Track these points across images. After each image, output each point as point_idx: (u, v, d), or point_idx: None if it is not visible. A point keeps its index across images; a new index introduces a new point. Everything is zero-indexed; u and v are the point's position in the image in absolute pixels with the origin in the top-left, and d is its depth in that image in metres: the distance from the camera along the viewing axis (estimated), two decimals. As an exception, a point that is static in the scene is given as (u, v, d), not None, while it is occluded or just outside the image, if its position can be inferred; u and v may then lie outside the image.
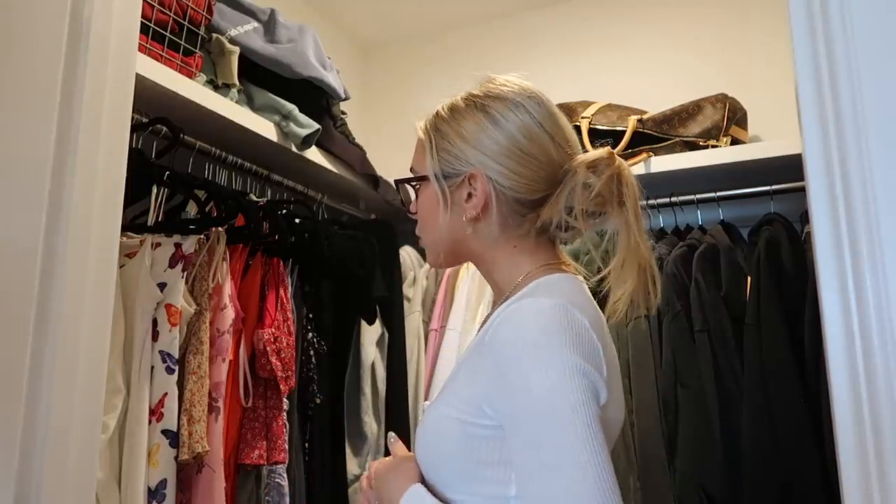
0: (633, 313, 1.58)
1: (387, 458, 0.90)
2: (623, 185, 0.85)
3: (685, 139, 1.77)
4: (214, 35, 1.45)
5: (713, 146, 1.75)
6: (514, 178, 0.85)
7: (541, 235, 0.89)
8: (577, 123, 1.81)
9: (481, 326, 0.94)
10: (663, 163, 1.74)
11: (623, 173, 0.86)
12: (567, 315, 0.75)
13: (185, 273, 1.18)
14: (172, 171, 1.28)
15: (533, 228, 0.88)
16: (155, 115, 1.25)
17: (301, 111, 1.57)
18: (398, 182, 0.98)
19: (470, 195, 0.87)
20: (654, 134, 1.78)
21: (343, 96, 1.73)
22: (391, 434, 0.94)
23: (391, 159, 2.04)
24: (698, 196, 1.74)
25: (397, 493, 0.81)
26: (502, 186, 0.86)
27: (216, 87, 1.43)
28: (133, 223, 1.27)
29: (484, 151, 0.86)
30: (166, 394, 1.11)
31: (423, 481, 0.82)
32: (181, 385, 1.15)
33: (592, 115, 1.85)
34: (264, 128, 1.50)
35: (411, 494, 0.80)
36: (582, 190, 0.84)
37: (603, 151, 0.87)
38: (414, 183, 0.95)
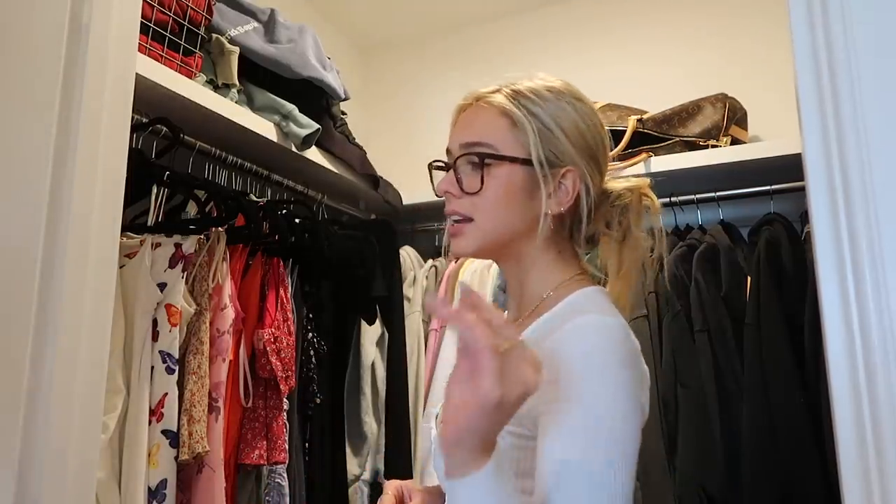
0: (633, 313, 1.58)
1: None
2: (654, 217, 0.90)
3: (685, 139, 1.77)
4: (214, 35, 1.45)
5: (713, 146, 1.75)
6: (591, 184, 0.86)
7: (574, 245, 0.90)
8: (577, 123, 1.81)
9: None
10: (663, 163, 1.74)
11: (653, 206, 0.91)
12: (629, 338, 0.76)
13: (185, 273, 1.18)
14: (172, 171, 1.28)
15: (581, 237, 0.88)
16: (155, 115, 1.25)
17: (301, 111, 1.57)
18: (469, 152, 0.85)
19: (554, 190, 0.85)
20: (654, 134, 1.78)
21: (343, 96, 1.73)
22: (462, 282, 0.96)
23: (391, 159, 2.05)
24: (698, 196, 1.74)
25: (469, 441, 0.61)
26: (586, 188, 0.86)
27: (216, 87, 1.43)
28: (133, 223, 1.27)
29: (580, 150, 0.86)
30: (166, 394, 1.11)
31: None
32: (181, 385, 1.15)
33: (592, 115, 1.84)
34: (264, 128, 1.50)
35: (483, 477, 0.61)
36: (638, 209, 0.88)
37: (642, 182, 0.92)
38: (488, 160, 0.84)
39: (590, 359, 0.73)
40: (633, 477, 0.70)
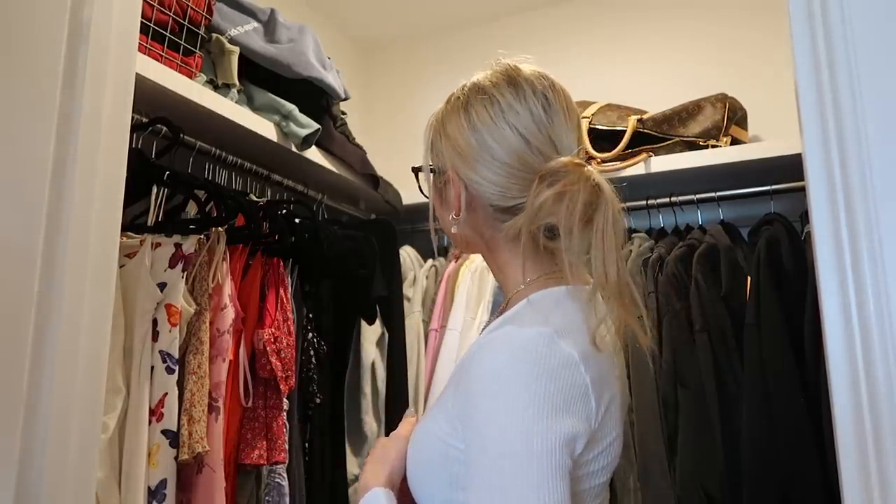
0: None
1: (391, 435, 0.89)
2: (576, 203, 0.72)
3: (685, 139, 1.77)
4: (214, 35, 1.45)
5: (713, 146, 1.75)
6: (485, 183, 0.81)
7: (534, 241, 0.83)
8: (577, 123, 1.81)
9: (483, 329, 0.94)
10: (663, 163, 1.74)
11: (579, 188, 0.73)
12: (551, 350, 0.68)
13: (185, 273, 1.18)
14: (172, 171, 1.28)
15: (511, 235, 0.82)
16: (155, 115, 1.25)
17: (301, 111, 1.57)
18: (415, 170, 0.95)
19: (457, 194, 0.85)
20: (654, 134, 1.78)
21: (343, 96, 1.73)
22: (410, 409, 0.94)
23: (391, 159, 2.04)
24: (698, 196, 1.74)
25: (364, 483, 0.82)
26: (475, 191, 0.82)
27: (216, 87, 1.43)
28: (133, 223, 1.27)
29: (458, 152, 0.83)
30: (166, 394, 1.11)
31: (406, 488, 0.82)
32: (181, 385, 1.15)
33: (592, 115, 1.85)
34: (264, 128, 1.50)
35: (371, 497, 0.79)
36: (534, 203, 0.75)
37: (565, 159, 0.77)
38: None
39: (486, 381, 0.69)
40: (561, 486, 0.64)
